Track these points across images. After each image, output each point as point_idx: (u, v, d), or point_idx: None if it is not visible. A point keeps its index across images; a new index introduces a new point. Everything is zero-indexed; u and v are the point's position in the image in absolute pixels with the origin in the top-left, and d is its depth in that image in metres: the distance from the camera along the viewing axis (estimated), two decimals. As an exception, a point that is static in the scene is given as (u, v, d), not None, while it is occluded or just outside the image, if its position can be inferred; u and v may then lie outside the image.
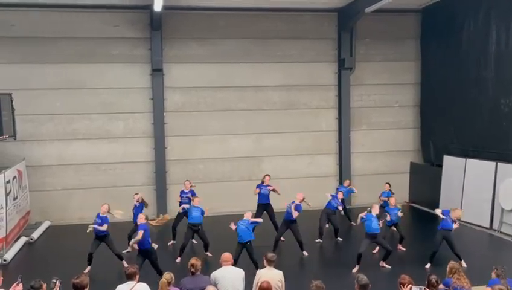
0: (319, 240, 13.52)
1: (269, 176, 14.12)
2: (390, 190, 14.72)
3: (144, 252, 10.20)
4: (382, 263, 11.33)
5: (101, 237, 11.42)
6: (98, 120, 16.86)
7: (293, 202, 12.26)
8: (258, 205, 13.83)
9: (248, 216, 11.09)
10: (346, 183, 15.67)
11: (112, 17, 16.68)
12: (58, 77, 16.44)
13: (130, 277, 6.98)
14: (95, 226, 11.27)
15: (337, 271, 11.08)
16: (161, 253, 11.23)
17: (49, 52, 16.35)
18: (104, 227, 11.30)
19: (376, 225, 11.16)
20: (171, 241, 13.46)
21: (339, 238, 13.70)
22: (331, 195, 13.72)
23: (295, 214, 12.09)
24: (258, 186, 13.92)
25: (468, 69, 15.74)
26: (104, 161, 16.90)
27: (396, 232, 13.07)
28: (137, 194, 13.02)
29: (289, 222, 12.33)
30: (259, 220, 11.62)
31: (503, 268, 7.35)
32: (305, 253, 12.42)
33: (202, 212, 12.02)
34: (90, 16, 16.52)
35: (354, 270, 10.84)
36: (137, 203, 12.75)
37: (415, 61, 18.74)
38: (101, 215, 11.49)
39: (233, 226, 10.97)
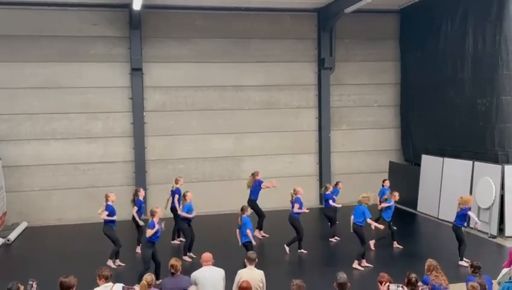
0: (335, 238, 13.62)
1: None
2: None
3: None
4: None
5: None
6: (77, 120, 16.66)
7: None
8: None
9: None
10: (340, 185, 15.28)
11: (91, 15, 16.51)
12: (36, 76, 16.21)
13: (107, 278, 6.93)
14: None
15: (318, 270, 11.14)
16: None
17: (27, 51, 16.11)
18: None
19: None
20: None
21: (333, 239, 13.61)
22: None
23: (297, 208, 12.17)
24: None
25: (445, 69, 15.97)
26: (82, 161, 16.72)
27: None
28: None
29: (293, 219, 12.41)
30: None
31: (478, 263, 7.47)
32: (304, 251, 12.42)
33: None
34: (68, 15, 16.33)
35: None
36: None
37: (394, 61, 18.95)
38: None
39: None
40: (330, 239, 13.54)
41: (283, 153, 18.19)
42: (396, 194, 12.78)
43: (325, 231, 14.19)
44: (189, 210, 11.92)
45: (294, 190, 12.50)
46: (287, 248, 12.38)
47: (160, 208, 10.26)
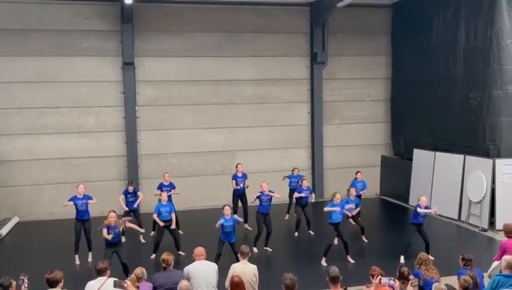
0: (296, 233, 13.61)
1: (241, 164, 14.27)
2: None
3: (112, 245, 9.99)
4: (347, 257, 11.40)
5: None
6: (68, 114, 16.57)
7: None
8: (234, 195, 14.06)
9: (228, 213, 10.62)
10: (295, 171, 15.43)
11: (82, 9, 16.39)
12: (27, 70, 16.09)
13: (100, 272, 6.86)
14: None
15: (309, 264, 11.17)
16: (137, 249, 11.17)
17: (18, 45, 15.98)
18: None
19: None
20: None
21: (311, 232, 13.78)
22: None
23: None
24: (234, 178, 14.02)
25: (437, 64, 16.01)
26: (74, 155, 16.64)
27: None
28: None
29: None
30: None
31: (469, 256, 7.52)
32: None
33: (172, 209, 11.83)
34: (60, 8, 16.20)
35: (323, 263, 10.95)
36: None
37: (386, 56, 18.98)
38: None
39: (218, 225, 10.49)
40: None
41: (275, 148, 18.19)
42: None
43: (321, 226, 14.18)
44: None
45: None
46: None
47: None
